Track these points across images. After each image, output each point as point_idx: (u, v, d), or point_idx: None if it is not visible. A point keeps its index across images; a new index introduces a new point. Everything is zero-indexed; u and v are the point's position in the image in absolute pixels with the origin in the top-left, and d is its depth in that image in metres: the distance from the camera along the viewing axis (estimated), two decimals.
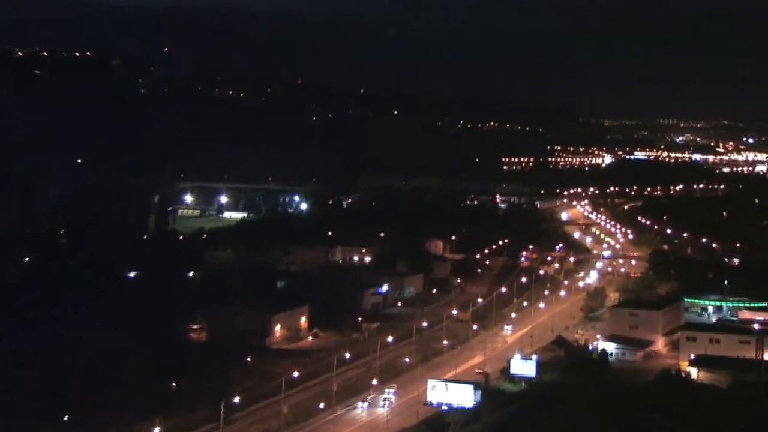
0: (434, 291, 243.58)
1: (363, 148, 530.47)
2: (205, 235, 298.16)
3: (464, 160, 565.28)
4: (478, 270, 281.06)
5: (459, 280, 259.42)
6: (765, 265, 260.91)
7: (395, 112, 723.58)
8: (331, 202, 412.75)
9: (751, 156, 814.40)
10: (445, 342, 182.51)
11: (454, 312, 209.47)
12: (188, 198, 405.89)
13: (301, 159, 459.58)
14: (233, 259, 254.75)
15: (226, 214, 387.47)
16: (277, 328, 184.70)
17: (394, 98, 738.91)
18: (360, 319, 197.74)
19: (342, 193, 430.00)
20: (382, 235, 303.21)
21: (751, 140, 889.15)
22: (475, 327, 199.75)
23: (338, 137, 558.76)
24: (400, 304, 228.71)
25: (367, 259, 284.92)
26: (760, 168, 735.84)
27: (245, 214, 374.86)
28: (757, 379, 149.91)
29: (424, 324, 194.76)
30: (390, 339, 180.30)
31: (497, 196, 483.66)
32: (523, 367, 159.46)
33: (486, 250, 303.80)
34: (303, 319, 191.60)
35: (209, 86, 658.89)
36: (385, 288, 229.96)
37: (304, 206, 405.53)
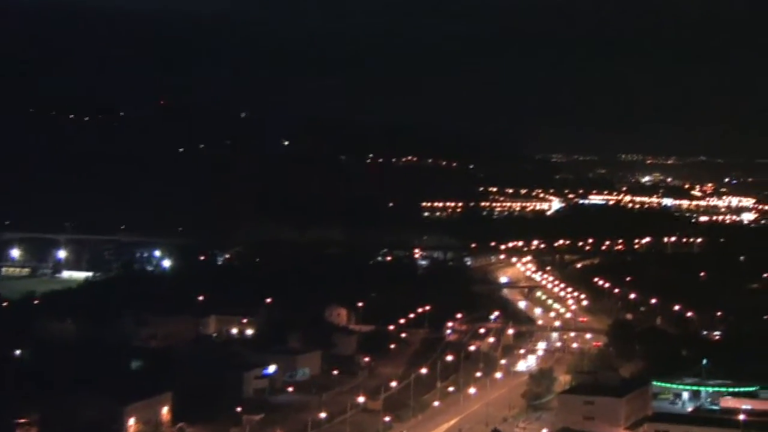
0: (336, 372, 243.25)
1: (245, 189, 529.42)
2: (36, 301, 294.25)
3: (375, 204, 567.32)
4: (392, 345, 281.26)
5: (367, 359, 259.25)
6: (754, 340, 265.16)
7: (286, 143, 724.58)
8: (202, 258, 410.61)
9: (734, 201, 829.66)
10: None
11: (361, 399, 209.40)
12: (15, 253, 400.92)
13: (163, 203, 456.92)
14: (74, 332, 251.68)
15: (65, 274, 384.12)
16: (131, 422, 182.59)
17: (285, 125, 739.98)
18: (239, 409, 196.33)
19: (217, 248, 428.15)
20: (268, 300, 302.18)
21: (734, 181, 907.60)
22: (387, 419, 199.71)
23: (212, 175, 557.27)
24: (291, 389, 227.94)
25: (250, 331, 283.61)
26: (746, 216, 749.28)
27: (90, 274, 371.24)
28: None
29: (323, 415, 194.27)
30: None
31: (417, 250, 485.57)
32: None
33: (402, 320, 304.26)
34: (165, 410, 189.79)
35: (42, 108, 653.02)
36: (272, 369, 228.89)
37: (167, 263, 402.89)
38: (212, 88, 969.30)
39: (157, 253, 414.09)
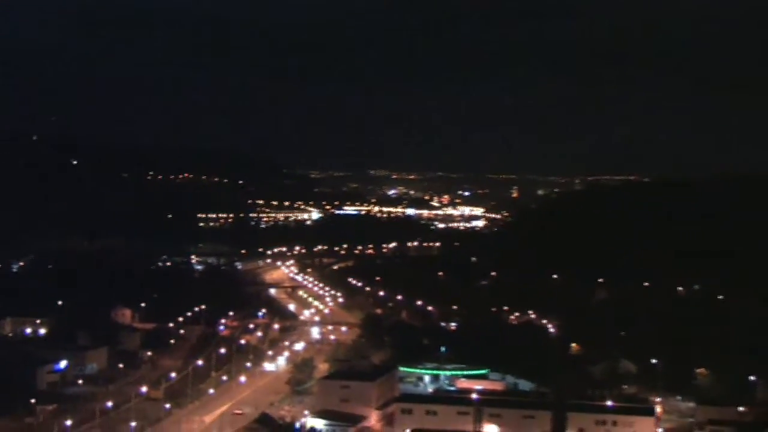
0: (121, 366, 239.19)
1: (36, 203, 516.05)
2: None
3: (155, 216, 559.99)
4: (172, 341, 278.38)
5: (150, 353, 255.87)
6: (483, 329, 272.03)
7: (74, 162, 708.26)
8: None
9: (467, 210, 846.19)
10: (133, 424, 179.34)
11: (144, 389, 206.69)
12: None
13: None
14: None
15: None
16: None
17: (69, 146, 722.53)
18: (33, 401, 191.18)
19: (12, 256, 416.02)
20: (60, 303, 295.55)
21: (467, 193, 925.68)
22: (168, 406, 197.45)
23: (4, 190, 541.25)
24: (81, 382, 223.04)
25: (43, 331, 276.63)
26: (476, 223, 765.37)
27: None
28: None
29: (109, 404, 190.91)
30: (69, 423, 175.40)
31: (193, 256, 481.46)
32: None
33: (180, 318, 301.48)
34: None
35: None
36: (63, 364, 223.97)
37: None
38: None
39: None
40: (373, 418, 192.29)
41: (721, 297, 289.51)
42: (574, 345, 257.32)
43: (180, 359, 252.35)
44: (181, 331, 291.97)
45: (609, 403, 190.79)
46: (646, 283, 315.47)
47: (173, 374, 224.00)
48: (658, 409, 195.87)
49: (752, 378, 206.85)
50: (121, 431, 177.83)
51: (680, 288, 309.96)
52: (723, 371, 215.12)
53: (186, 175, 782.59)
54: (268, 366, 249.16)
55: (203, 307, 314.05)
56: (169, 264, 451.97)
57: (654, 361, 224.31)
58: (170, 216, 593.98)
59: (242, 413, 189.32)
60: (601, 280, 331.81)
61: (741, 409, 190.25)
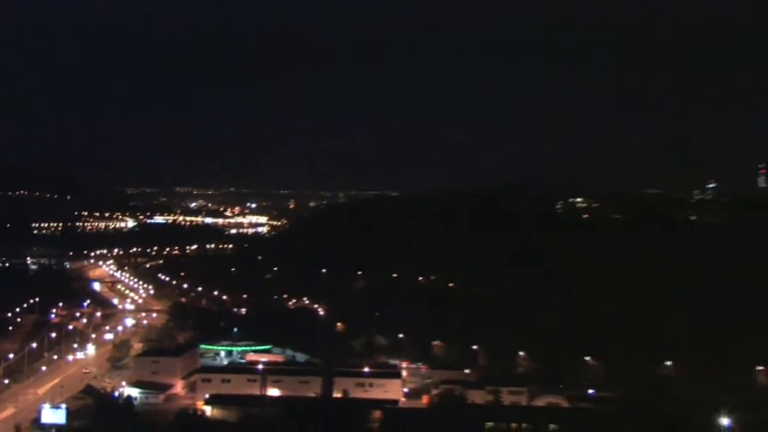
0: None
1: None
2: None
3: None
4: (10, 327, 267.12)
5: None
6: (267, 313, 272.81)
7: None
8: None
9: (254, 219, 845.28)
10: None
11: None
12: None
13: None
14: None
15: None
16: None
17: None
18: None
19: None
20: None
21: (254, 205, 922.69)
22: (6, 381, 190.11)
23: None
24: None
25: None
26: (261, 229, 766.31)
27: None
28: (261, 412, 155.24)
29: None
30: None
31: (28, 258, 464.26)
32: (54, 415, 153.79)
33: (17, 309, 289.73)
34: None
35: None
36: None
37: None
38: None
39: None
40: (179, 387, 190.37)
41: (451, 285, 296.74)
42: (339, 324, 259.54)
43: (17, 343, 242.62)
44: (18, 319, 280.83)
45: (366, 369, 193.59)
46: (395, 275, 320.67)
47: (11, 355, 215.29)
48: (404, 373, 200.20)
49: (474, 347, 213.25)
50: None
51: (421, 278, 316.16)
52: (452, 342, 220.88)
53: (22, 192, 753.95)
54: (91, 347, 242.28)
55: (37, 299, 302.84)
56: (7, 265, 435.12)
57: (401, 335, 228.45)
58: (8, 225, 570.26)
59: (89, 371, 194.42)
60: (360, 272, 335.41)
61: (466, 371, 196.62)
